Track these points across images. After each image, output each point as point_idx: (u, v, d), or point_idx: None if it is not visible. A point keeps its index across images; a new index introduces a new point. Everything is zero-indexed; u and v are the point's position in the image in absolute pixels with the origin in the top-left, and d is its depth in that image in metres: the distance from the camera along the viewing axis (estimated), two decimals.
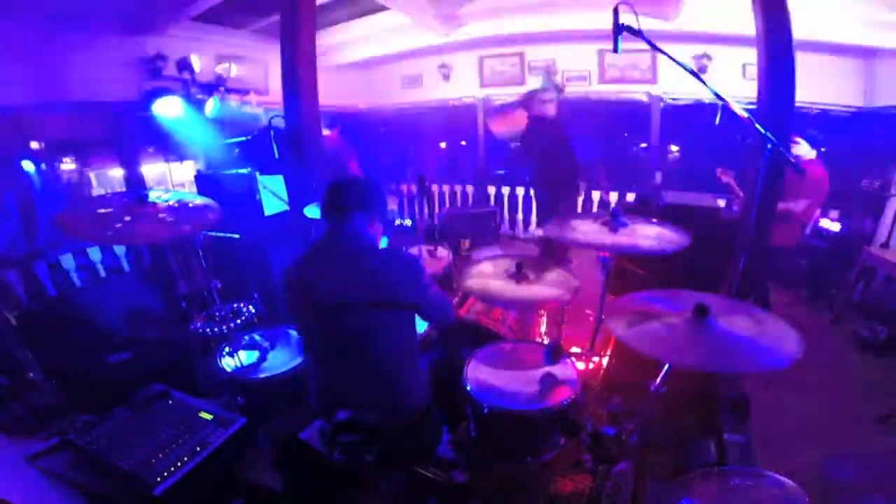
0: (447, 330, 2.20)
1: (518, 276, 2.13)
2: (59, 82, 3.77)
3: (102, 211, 1.90)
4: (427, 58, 6.09)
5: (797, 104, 2.32)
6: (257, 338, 2.29)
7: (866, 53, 4.27)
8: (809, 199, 2.93)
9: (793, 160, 1.78)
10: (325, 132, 3.69)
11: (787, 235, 3.05)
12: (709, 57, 4.66)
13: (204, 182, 3.59)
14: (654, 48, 1.71)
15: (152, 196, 1.99)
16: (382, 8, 4.89)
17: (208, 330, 2.34)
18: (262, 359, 2.15)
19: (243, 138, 3.81)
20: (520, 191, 5.88)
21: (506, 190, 6.09)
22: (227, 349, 2.19)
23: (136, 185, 4.44)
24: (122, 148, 4.47)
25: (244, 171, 3.26)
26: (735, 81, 4.55)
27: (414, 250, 2.68)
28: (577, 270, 2.32)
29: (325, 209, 1.53)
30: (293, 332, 2.31)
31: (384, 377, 1.51)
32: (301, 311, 1.56)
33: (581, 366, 2.25)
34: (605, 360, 2.48)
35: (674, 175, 5.84)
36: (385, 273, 1.45)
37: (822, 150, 3.07)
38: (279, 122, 3.08)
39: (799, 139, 3.00)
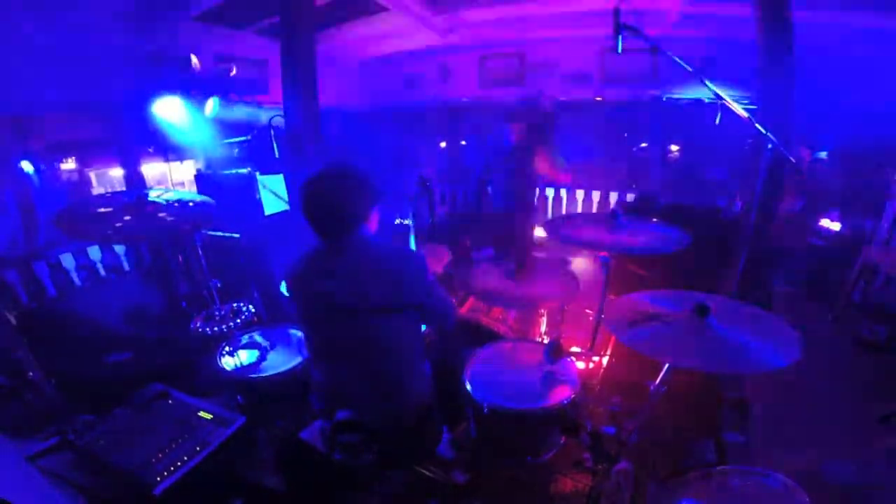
0: (447, 330, 2.20)
1: (518, 275, 2.13)
2: (60, 82, 3.77)
3: (102, 210, 1.90)
4: (427, 58, 6.09)
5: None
6: (257, 337, 2.29)
7: None
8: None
9: (793, 161, 1.78)
10: None
11: (792, 237, 3.03)
12: (709, 57, 4.66)
13: (204, 182, 3.60)
14: (655, 48, 1.71)
15: (152, 195, 2.00)
16: (382, 8, 4.89)
17: (208, 329, 2.34)
18: (262, 358, 2.15)
19: (243, 138, 3.81)
20: None
21: None
22: (227, 349, 2.19)
23: (136, 184, 4.44)
24: (122, 148, 4.47)
25: (244, 170, 3.26)
26: (735, 81, 4.55)
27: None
28: (577, 270, 2.32)
29: (317, 233, 1.42)
30: (293, 332, 2.31)
31: (390, 379, 1.51)
32: (308, 317, 1.55)
33: (581, 365, 2.25)
34: (605, 360, 2.48)
35: (674, 175, 5.84)
36: (394, 275, 1.41)
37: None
38: (279, 122, 3.08)
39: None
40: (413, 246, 1.86)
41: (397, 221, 2.94)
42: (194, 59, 4.36)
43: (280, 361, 2.11)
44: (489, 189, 4.01)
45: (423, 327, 2.15)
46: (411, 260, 1.49)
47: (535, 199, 4.18)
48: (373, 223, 1.52)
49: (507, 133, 3.70)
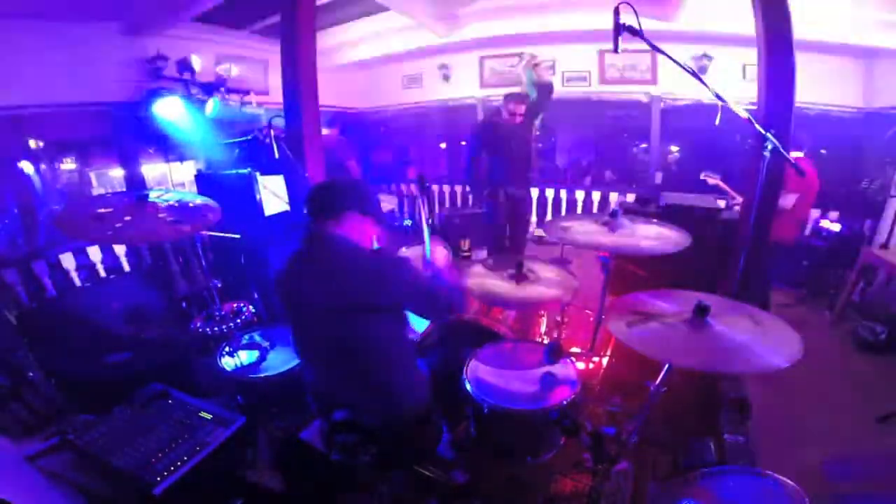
0: (447, 329, 2.20)
1: (518, 276, 2.13)
2: (59, 82, 3.78)
3: (103, 211, 1.90)
4: (427, 58, 6.10)
5: (797, 104, 2.33)
6: (257, 338, 2.29)
7: (866, 53, 4.27)
8: (797, 194, 2.94)
9: (793, 161, 1.78)
10: (325, 131, 3.68)
11: (781, 231, 3.05)
12: (709, 57, 4.67)
13: (204, 182, 3.59)
14: (655, 48, 1.70)
15: (152, 196, 1.99)
16: (383, 8, 4.90)
17: (208, 330, 2.35)
18: (262, 359, 2.15)
19: (243, 138, 3.81)
20: None
21: None
22: (227, 349, 2.19)
23: (136, 185, 4.44)
24: (123, 148, 4.48)
25: (244, 171, 3.25)
26: (735, 81, 4.56)
27: (415, 250, 2.68)
28: (577, 270, 2.32)
29: (307, 218, 1.53)
30: None
31: (377, 379, 1.50)
32: (291, 317, 1.57)
33: (581, 366, 2.25)
34: (605, 360, 2.48)
35: (674, 175, 5.85)
36: (357, 277, 1.42)
37: (823, 151, 3.07)
38: (279, 122, 3.08)
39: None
40: (428, 243, 1.86)
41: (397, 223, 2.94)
42: (194, 60, 4.37)
43: (280, 362, 2.11)
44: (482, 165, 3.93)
45: (423, 327, 2.17)
46: (388, 262, 1.49)
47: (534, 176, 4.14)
48: (366, 235, 1.54)
49: (509, 111, 3.62)
